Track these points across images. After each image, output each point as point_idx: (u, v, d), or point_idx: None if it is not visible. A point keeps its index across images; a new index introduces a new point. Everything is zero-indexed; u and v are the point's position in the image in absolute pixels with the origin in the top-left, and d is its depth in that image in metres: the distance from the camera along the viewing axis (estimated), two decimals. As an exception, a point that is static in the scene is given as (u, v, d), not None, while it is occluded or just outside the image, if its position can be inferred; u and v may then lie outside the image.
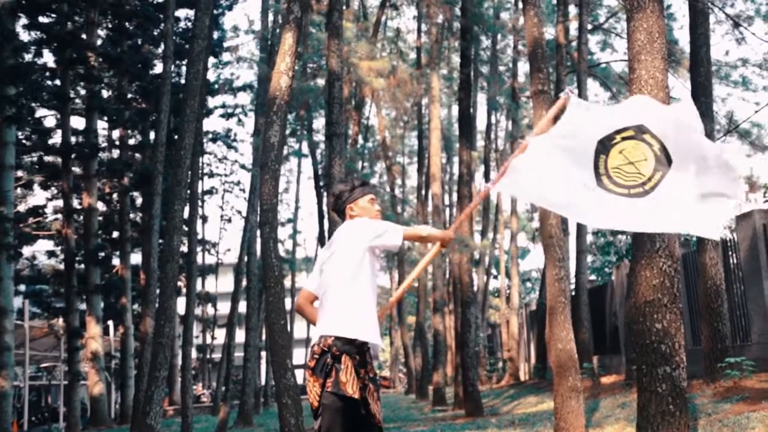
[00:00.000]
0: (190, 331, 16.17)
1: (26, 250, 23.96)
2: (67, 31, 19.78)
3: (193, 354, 34.04)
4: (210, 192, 33.04)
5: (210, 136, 30.40)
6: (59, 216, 24.31)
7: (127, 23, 21.62)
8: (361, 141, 26.93)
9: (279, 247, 9.44)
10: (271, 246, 9.05)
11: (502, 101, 21.90)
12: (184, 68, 21.15)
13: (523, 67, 24.40)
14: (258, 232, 16.39)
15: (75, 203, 21.39)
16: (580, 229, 15.17)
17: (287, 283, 28.21)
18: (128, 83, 22.56)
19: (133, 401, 13.60)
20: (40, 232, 23.89)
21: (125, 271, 21.38)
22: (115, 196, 24.95)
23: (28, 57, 18.95)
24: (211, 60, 24.92)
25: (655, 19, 5.78)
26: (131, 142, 24.13)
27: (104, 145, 24.93)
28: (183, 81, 15.73)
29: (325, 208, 20.07)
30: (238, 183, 34.66)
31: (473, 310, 14.95)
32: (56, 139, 23.25)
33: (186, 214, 15.31)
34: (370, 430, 3.42)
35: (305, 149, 26.29)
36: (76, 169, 22.42)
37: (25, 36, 19.92)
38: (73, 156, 20.63)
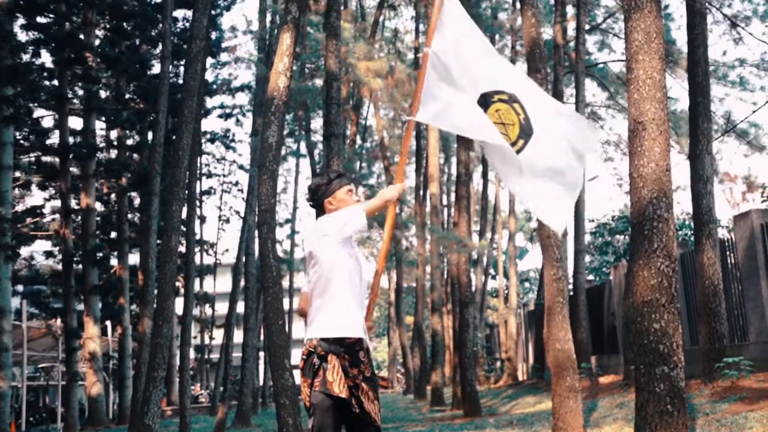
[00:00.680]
0: (188, 332, 16.16)
1: (24, 251, 23.95)
2: (65, 31, 19.76)
3: (191, 354, 34.10)
4: (208, 192, 33.02)
5: (208, 136, 30.37)
6: (57, 216, 24.32)
7: (125, 23, 21.59)
8: (359, 141, 26.95)
9: (277, 247, 9.44)
10: (270, 246, 9.05)
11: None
12: (182, 68, 21.11)
13: (521, 67, 24.41)
14: (256, 233, 16.41)
15: (73, 203, 21.37)
16: (579, 229, 15.18)
17: (285, 283, 28.18)
18: (126, 83, 22.55)
19: (131, 401, 13.59)
20: (37, 233, 23.89)
21: (123, 272, 21.37)
22: (113, 196, 24.95)
23: (25, 57, 18.93)
24: (210, 60, 24.93)
25: (653, 19, 5.78)
26: (129, 142, 24.12)
27: (102, 145, 24.90)
28: (181, 81, 15.70)
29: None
30: (237, 183, 34.69)
31: (471, 310, 14.96)
32: (54, 139, 23.24)
33: (184, 214, 15.30)
34: (366, 429, 3.42)
35: (303, 149, 26.28)
36: (74, 170, 22.41)
37: (23, 36, 19.89)
38: (71, 156, 20.60)
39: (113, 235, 23.96)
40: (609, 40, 21.54)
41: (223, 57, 30.27)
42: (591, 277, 22.28)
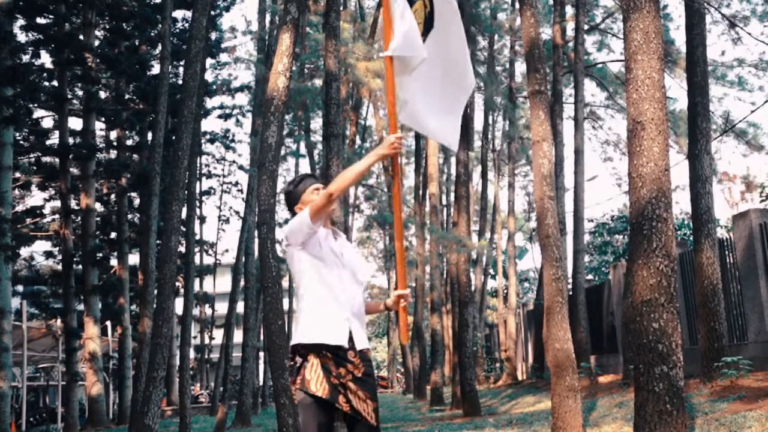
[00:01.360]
0: (188, 332, 16.18)
1: (24, 251, 23.99)
2: (64, 32, 19.78)
3: (191, 354, 34.12)
4: (208, 192, 33.05)
5: (208, 136, 30.41)
6: (57, 217, 24.33)
7: (124, 24, 21.60)
8: (358, 141, 26.98)
9: (277, 247, 9.46)
10: (269, 246, 9.07)
11: (499, 101, 21.91)
12: (181, 69, 21.12)
13: (520, 67, 24.46)
14: (256, 233, 16.41)
15: (73, 204, 21.38)
16: (578, 229, 15.20)
17: (285, 283, 28.19)
18: (126, 84, 22.55)
19: (131, 401, 13.59)
20: (37, 233, 23.91)
21: (123, 272, 21.38)
22: (112, 196, 24.96)
23: (25, 58, 18.96)
24: (209, 61, 24.97)
25: (652, 19, 5.80)
26: (129, 142, 24.12)
27: (102, 145, 24.91)
28: (180, 82, 15.72)
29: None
30: (236, 183, 34.72)
31: (471, 310, 14.97)
32: (54, 139, 23.26)
33: (184, 214, 15.33)
34: (362, 429, 3.43)
35: (303, 150, 26.26)
36: (74, 170, 22.43)
37: (22, 37, 19.91)
38: (70, 157, 20.62)
39: (113, 235, 23.96)
40: (608, 40, 21.57)
41: (223, 57, 30.37)
42: (590, 276, 22.33)
